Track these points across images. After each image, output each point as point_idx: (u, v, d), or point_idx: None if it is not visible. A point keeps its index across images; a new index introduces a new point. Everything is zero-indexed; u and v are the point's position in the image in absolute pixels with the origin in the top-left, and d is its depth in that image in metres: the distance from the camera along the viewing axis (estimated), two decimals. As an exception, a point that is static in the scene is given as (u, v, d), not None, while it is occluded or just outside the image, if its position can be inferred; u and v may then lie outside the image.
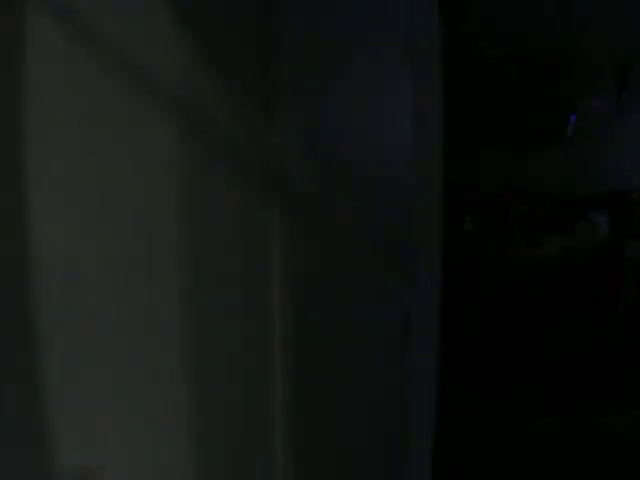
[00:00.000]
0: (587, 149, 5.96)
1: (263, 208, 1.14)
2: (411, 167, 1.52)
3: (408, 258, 1.54)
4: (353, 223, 1.34)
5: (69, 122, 1.00)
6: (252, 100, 1.15)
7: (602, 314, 3.85)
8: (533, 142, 5.95)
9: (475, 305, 4.00)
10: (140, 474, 1.07)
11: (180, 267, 1.08)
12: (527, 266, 4.36)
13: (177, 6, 1.06)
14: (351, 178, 1.32)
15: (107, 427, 0.99)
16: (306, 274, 1.22)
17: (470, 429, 2.97)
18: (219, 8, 1.12)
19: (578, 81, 5.25)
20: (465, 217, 5.17)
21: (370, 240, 1.41)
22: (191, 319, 1.10)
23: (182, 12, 1.06)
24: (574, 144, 5.99)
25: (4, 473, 0.87)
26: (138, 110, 1.05)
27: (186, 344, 1.10)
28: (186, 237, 1.09)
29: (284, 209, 1.16)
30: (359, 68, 1.37)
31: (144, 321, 1.04)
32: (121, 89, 1.03)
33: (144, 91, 1.06)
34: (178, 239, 1.08)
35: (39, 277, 0.93)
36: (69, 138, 1.00)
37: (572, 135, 5.93)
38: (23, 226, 0.93)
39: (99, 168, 1.03)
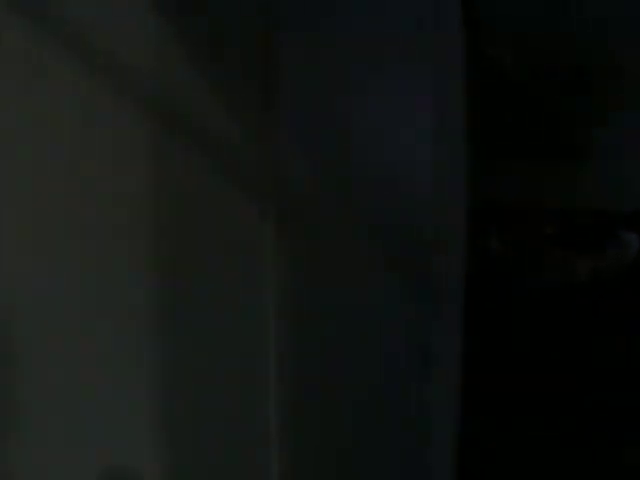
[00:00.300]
0: (616, 164, 5.85)
1: (260, 210, 1.08)
2: (429, 172, 1.40)
3: (428, 274, 1.41)
4: (360, 233, 1.24)
5: (46, 122, 0.92)
6: (251, 99, 1.09)
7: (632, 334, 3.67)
8: (559, 157, 5.86)
9: (501, 326, 3.83)
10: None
11: (171, 270, 1.02)
12: (557, 288, 4.19)
13: (176, 5, 1.01)
14: (356, 181, 1.23)
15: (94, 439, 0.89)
16: (306, 282, 1.14)
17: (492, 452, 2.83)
18: (218, 7, 1.05)
19: (608, 95, 5.17)
20: (490, 233, 5.05)
21: (381, 251, 1.30)
22: (183, 324, 1.04)
23: (181, 11, 1.00)
24: (602, 159, 5.89)
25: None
26: (126, 109, 0.99)
27: (177, 350, 1.03)
28: (179, 239, 1.04)
29: (282, 212, 1.08)
30: (368, 68, 1.29)
31: (127, 326, 0.95)
32: (111, 89, 0.97)
33: (134, 90, 1.02)
34: (169, 240, 1.03)
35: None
36: (47, 138, 0.92)
37: (600, 151, 5.84)
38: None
39: (84, 165, 0.97)
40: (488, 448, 2.86)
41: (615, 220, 5.12)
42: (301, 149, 1.14)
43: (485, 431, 2.95)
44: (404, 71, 1.41)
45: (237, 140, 1.07)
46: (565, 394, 3.28)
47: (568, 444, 3.01)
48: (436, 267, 1.49)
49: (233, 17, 1.09)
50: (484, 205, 5.34)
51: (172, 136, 1.00)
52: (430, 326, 1.39)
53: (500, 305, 3.91)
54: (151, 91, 0.98)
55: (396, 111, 1.36)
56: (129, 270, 0.96)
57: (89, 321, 0.91)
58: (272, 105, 1.11)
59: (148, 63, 0.98)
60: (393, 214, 1.39)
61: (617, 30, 4.04)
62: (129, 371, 0.95)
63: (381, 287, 1.33)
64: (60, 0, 0.91)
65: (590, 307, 3.93)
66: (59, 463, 0.85)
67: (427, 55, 1.46)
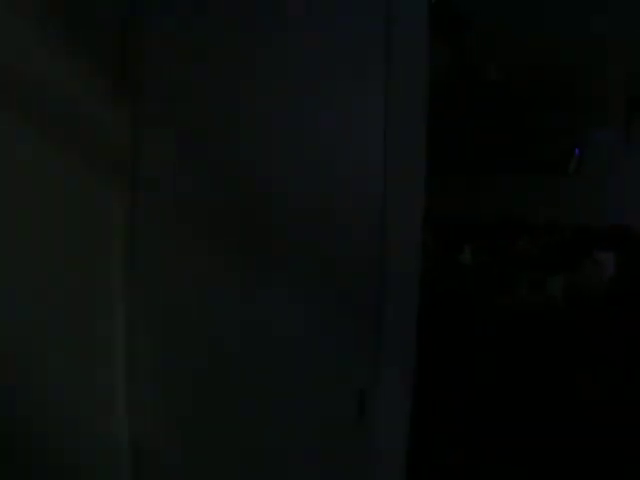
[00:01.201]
0: (593, 182, 5.80)
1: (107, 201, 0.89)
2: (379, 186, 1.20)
3: (364, 306, 1.20)
4: (280, 249, 1.04)
5: None
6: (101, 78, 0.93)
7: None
8: (535, 173, 5.81)
9: (468, 354, 3.63)
10: None
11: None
12: (528, 310, 4.02)
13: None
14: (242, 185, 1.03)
15: None
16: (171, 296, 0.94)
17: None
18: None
19: (586, 112, 5.12)
20: (464, 248, 4.92)
21: (315, 275, 1.09)
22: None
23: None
24: (580, 176, 5.85)
25: None
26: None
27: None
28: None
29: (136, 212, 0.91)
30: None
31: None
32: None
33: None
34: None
35: None
36: None
37: (577, 168, 5.80)
38: None
39: None
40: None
41: (591, 237, 5.00)
42: (166, 141, 0.97)
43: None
44: (347, 71, 1.22)
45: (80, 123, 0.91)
46: (535, 434, 3.06)
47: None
48: (384, 297, 1.28)
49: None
50: (459, 220, 5.20)
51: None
52: (371, 368, 1.19)
53: (468, 326, 3.72)
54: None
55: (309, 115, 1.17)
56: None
57: None
58: (124, 89, 0.94)
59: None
60: (332, 231, 1.19)
61: (603, 49, 3.95)
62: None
63: (314, 317, 1.13)
64: None
65: (563, 327, 3.77)
66: None
67: (378, 56, 1.27)
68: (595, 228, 5.22)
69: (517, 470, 2.80)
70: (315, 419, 1.14)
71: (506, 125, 5.60)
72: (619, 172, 5.40)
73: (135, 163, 0.98)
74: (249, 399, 1.08)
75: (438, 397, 2.97)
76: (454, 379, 3.37)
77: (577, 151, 5.66)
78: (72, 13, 0.95)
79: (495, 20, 3.45)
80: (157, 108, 1.00)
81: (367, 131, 1.23)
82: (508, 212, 5.67)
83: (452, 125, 4.64)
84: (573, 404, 3.23)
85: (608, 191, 5.61)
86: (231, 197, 1.06)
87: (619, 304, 3.91)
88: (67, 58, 0.93)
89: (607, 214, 5.41)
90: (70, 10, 0.94)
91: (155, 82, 1.00)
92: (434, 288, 3.67)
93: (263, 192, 1.10)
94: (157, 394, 0.99)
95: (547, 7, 3.19)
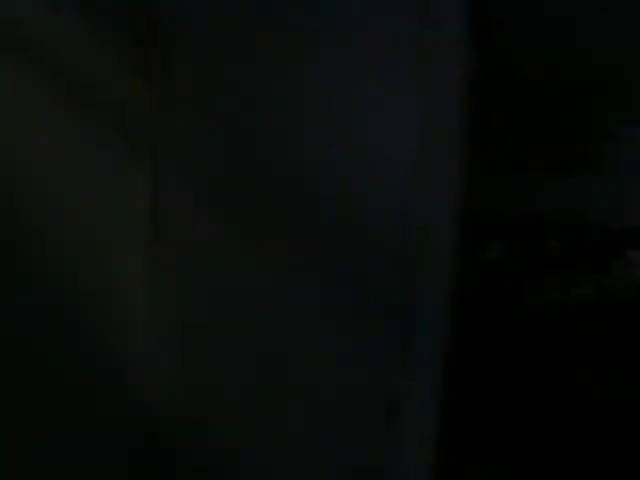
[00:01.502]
0: (626, 182, 5.68)
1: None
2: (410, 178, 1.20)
3: (395, 309, 1.20)
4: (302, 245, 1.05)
5: None
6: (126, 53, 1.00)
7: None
8: (567, 171, 5.71)
9: (496, 349, 3.59)
10: None
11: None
12: (557, 308, 3.96)
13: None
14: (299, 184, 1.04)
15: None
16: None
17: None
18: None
19: (619, 109, 5.04)
20: (492, 244, 4.86)
21: (336, 269, 1.11)
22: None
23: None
24: (612, 175, 5.73)
25: None
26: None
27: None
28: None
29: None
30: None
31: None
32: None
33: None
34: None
35: None
36: None
37: (610, 166, 5.69)
38: None
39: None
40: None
41: (622, 237, 4.91)
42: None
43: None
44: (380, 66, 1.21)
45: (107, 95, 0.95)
46: (566, 438, 3.01)
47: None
48: (412, 292, 1.28)
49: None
50: (487, 216, 5.15)
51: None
52: (400, 368, 1.19)
53: (496, 325, 3.68)
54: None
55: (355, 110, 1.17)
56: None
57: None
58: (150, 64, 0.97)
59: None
60: (364, 231, 1.19)
61: (637, 48, 3.88)
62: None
63: (331, 314, 1.13)
64: None
65: (593, 330, 3.71)
66: None
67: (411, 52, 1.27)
68: (628, 228, 5.13)
69: (517, 470, 2.78)
70: (344, 421, 1.15)
71: (538, 125, 5.55)
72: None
73: (158, 152, 1.00)
74: (273, 401, 1.09)
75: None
76: (455, 378, 3.33)
77: (609, 148, 5.56)
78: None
79: (528, 20, 3.42)
80: (185, 93, 1.02)
81: (403, 131, 1.23)
82: (538, 211, 5.60)
83: (482, 125, 4.60)
84: (597, 409, 3.18)
85: (638, 190, 5.50)
86: (262, 196, 1.07)
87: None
88: (92, 39, 0.95)
89: (636, 214, 5.31)
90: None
91: (184, 65, 1.01)
92: (459, 287, 3.63)
93: (294, 191, 1.11)
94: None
95: (580, 7, 3.14)
